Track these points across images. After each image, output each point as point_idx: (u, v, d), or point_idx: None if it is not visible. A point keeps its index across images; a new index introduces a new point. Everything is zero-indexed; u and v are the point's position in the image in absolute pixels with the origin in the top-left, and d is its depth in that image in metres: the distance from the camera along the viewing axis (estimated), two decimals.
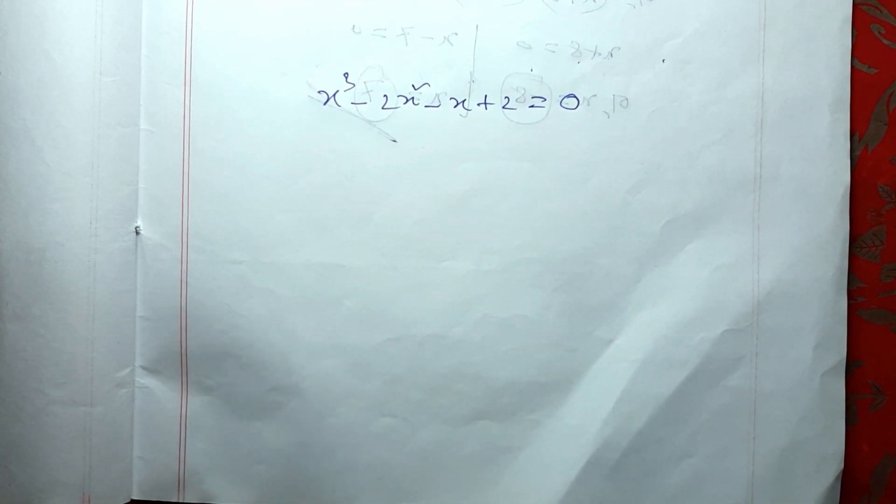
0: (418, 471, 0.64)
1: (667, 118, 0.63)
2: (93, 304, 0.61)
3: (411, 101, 0.63)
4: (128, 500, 0.64)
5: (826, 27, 0.62)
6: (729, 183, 0.63)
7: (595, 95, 0.63)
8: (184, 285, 0.63)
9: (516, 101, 0.63)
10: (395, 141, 0.63)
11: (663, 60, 0.63)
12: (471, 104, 0.63)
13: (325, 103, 0.63)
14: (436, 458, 0.64)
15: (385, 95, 0.63)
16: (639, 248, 0.63)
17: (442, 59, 0.63)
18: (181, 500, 0.64)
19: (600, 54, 0.62)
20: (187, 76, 0.63)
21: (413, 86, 0.63)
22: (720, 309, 0.63)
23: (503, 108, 0.63)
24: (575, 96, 0.63)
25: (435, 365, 0.63)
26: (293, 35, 0.63)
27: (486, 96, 0.63)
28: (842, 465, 0.63)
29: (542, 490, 0.63)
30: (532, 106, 0.63)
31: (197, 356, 0.64)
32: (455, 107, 0.63)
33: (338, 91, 0.63)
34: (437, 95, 0.63)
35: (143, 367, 0.64)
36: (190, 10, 0.63)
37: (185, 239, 0.63)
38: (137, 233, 0.63)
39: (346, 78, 0.63)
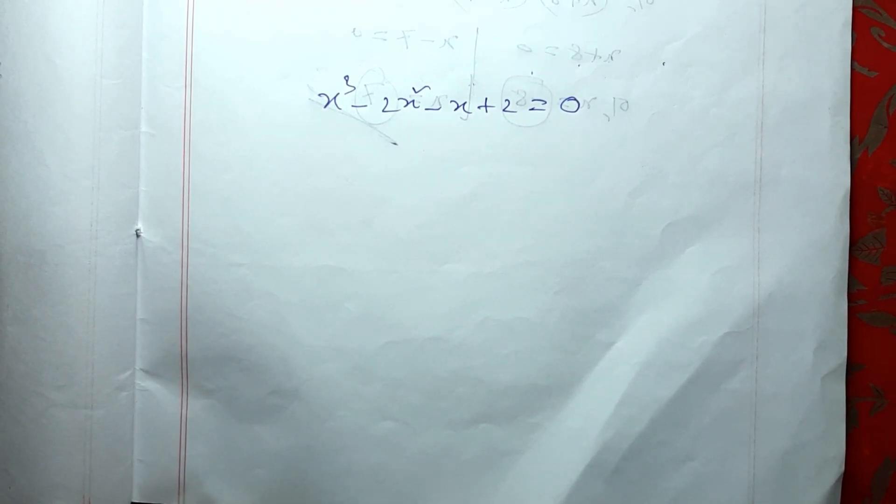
0: (419, 474, 0.64)
1: (667, 121, 0.63)
2: (93, 306, 0.61)
3: (412, 103, 0.63)
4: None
5: (826, 30, 0.63)
6: (730, 186, 0.63)
7: (595, 98, 0.63)
8: (184, 288, 0.63)
9: (517, 103, 0.63)
10: (395, 144, 0.63)
11: (664, 63, 0.63)
12: (471, 107, 0.63)
13: (325, 106, 0.63)
14: (436, 462, 0.64)
15: (385, 98, 0.63)
16: (640, 252, 0.63)
17: (442, 62, 0.63)
18: None
19: (601, 57, 0.62)
20: (188, 79, 0.63)
21: (413, 88, 0.63)
22: (721, 312, 0.63)
23: (504, 110, 0.63)
24: (575, 99, 0.63)
25: (436, 368, 0.63)
26: (294, 38, 0.63)
27: (486, 99, 0.63)
28: (843, 469, 0.63)
29: (543, 493, 0.63)
30: (532, 109, 0.63)
31: (197, 359, 0.64)
32: (455, 110, 0.63)
33: (338, 94, 0.63)
34: (438, 98, 0.63)
35: (144, 370, 0.64)
36: (190, 13, 0.63)
37: (185, 242, 0.63)
38: (138, 236, 0.63)
39: (347, 81, 0.63)
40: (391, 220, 0.63)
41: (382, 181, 0.63)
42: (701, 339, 0.63)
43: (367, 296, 0.63)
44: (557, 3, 0.62)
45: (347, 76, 0.63)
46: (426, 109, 0.63)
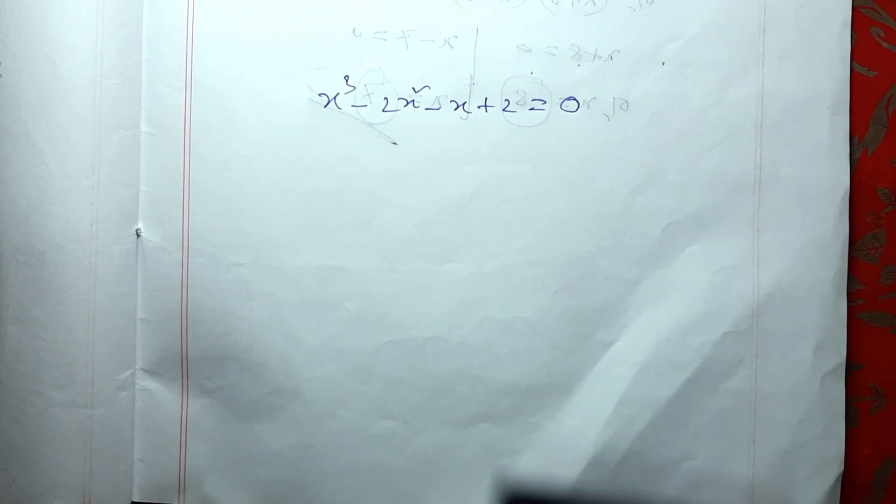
0: (419, 473, 0.64)
1: (667, 121, 0.63)
2: (93, 306, 0.61)
3: (412, 103, 0.63)
4: (129, 503, 0.64)
5: (826, 30, 0.63)
6: (729, 185, 0.63)
7: (595, 98, 0.63)
8: (184, 288, 0.63)
9: (517, 103, 0.63)
10: (395, 143, 0.63)
11: (663, 63, 0.63)
12: (471, 107, 0.63)
13: (325, 106, 0.63)
14: (436, 461, 0.64)
15: (385, 98, 0.63)
16: (639, 251, 0.63)
17: (442, 62, 0.63)
18: (181, 503, 0.64)
19: (600, 57, 0.62)
20: (188, 79, 0.63)
21: (413, 88, 0.63)
22: (720, 311, 0.63)
23: (503, 110, 0.63)
24: (575, 99, 0.63)
25: (435, 368, 0.63)
26: (294, 38, 0.63)
27: (486, 99, 0.63)
28: (842, 468, 0.63)
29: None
30: (532, 109, 0.63)
31: (197, 359, 0.64)
32: (455, 109, 0.63)
33: (338, 94, 0.63)
34: (438, 98, 0.63)
35: (144, 370, 0.64)
36: (190, 13, 0.63)
37: (185, 241, 0.63)
38: (138, 235, 0.63)
39: (347, 80, 0.63)
40: (391, 220, 0.63)
41: (382, 181, 0.63)
42: (700, 338, 0.63)
43: (367, 295, 0.63)
44: (557, 3, 0.62)
45: (347, 76, 0.63)
46: (426, 109, 0.63)
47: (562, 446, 0.63)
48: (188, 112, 0.63)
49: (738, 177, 0.63)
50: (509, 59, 0.63)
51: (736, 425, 0.63)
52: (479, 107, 0.63)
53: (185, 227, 0.63)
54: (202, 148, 0.63)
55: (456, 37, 0.63)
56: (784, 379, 0.63)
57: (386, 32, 0.63)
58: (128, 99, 0.62)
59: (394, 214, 0.63)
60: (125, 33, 0.62)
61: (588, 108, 0.63)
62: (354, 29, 0.63)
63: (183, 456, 0.64)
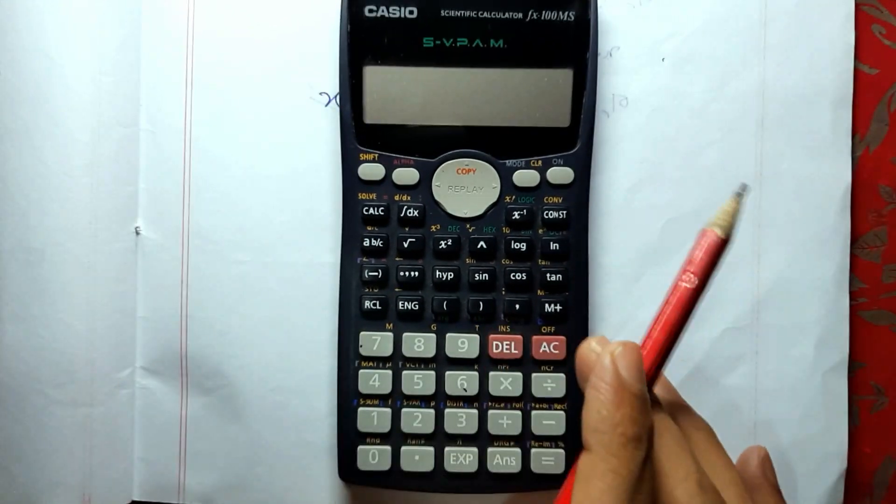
0: None
1: (667, 117, 0.63)
2: (93, 304, 0.61)
3: None
4: (129, 501, 0.64)
5: (828, 23, 0.63)
6: (730, 181, 0.62)
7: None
8: (184, 286, 0.63)
9: None
10: None
11: (663, 59, 0.63)
12: None
13: (326, 105, 0.63)
14: None
15: None
16: (639, 247, 0.63)
17: None
18: (182, 502, 0.64)
19: (599, 54, 0.62)
20: (188, 76, 0.63)
21: None
22: (720, 307, 0.62)
23: None
24: None
25: None
26: (295, 35, 0.63)
27: None
28: (845, 464, 0.63)
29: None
30: None
31: (197, 357, 0.63)
32: None
33: (339, 93, 0.63)
34: None
35: (144, 368, 0.64)
36: (191, 9, 0.63)
37: (185, 239, 0.63)
38: (137, 233, 0.63)
39: None
40: None
41: None
42: (700, 334, 0.62)
43: None
44: None
45: None
46: None
47: None
48: (188, 109, 0.63)
49: (739, 172, 0.62)
50: None
51: (736, 421, 0.63)
52: None
53: (185, 224, 0.63)
54: (202, 145, 0.63)
55: None
56: (785, 375, 0.63)
57: None
58: (127, 96, 0.62)
59: None
60: (124, 30, 0.62)
61: None
62: None
63: (183, 454, 0.64)
